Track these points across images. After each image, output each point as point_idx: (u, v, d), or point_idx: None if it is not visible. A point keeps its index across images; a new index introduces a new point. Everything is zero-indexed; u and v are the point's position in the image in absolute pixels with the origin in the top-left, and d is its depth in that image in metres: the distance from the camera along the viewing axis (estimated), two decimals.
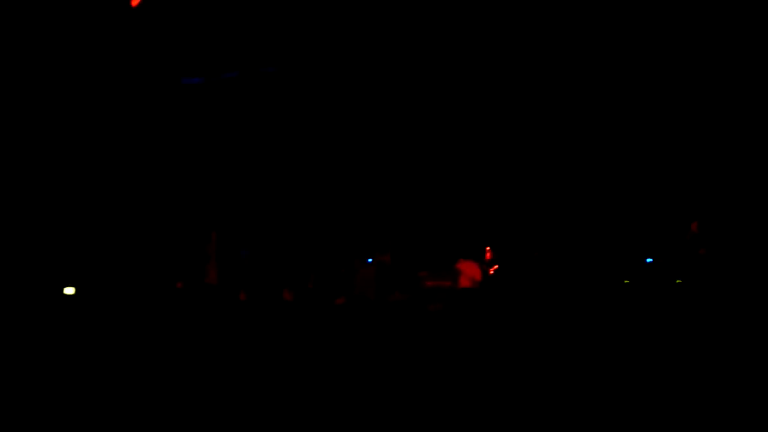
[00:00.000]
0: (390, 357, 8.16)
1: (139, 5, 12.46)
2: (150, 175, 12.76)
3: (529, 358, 7.56)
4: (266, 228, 13.33)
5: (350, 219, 13.66)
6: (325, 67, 12.94)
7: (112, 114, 12.56)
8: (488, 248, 12.96)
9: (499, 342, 9.37)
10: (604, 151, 12.74)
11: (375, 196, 13.59)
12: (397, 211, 13.58)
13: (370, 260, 12.97)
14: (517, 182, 13.02)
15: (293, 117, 13.16)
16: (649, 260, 11.92)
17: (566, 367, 6.97)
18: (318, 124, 13.14)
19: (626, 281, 11.95)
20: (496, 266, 12.85)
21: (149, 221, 12.76)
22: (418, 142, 13.49)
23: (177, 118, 12.90)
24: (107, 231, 12.54)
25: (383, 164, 13.59)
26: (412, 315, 11.83)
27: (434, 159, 13.35)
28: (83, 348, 8.30)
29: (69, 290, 11.55)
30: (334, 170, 13.40)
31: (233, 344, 9.92)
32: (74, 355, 7.74)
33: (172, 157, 12.91)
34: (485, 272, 12.75)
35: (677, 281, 11.78)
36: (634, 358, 7.56)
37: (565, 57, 12.63)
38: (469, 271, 12.77)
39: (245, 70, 12.91)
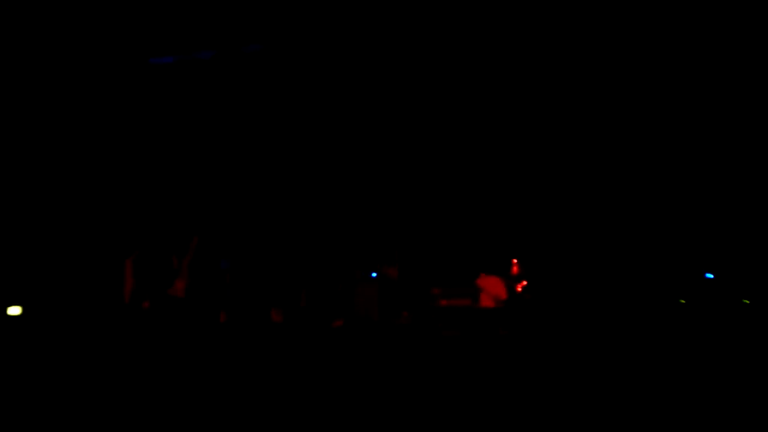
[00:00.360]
0: (396, 394, 7.06)
1: None
2: (112, 172, 11.17)
3: (565, 401, 6.39)
4: (251, 234, 11.60)
5: (350, 224, 11.91)
6: (322, 45, 11.24)
7: (65, 103, 10.97)
8: (515, 261, 11.23)
9: (529, 378, 7.76)
10: (652, 149, 10.98)
11: (379, 198, 11.83)
12: (406, 215, 11.82)
13: (373, 274, 11.27)
14: (549, 180, 11.24)
15: (283, 105, 11.48)
16: (709, 275, 10.14)
17: (613, 418, 5.75)
18: (312, 112, 11.44)
19: (682, 301, 10.13)
20: (525, 282, 11.10)
21: (108, 227, 11.18)
22: (432, 133, 11.73)
23: (144, 106, 11.27)
24: (54, 236, 10.99)
25: (389, 160, 11.86)
26: (423, 341, 10.14)
27: (451, 152, 11.59)
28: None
29: (14, 310, 9.99)
30: (330, 167, 11.67)
31: (208, 377, 8.32)
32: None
33: (137, 150, 11.28)
34: (511, 289, 11.04)
35: (744, 301, 10.02)
36: (698, 402, 6.00)
37: (590, 59, 11.03)
38: (491, 288, 11.07)
39: (224, 48, 11.24)
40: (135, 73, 11.12)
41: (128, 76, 11.11)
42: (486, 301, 10.94)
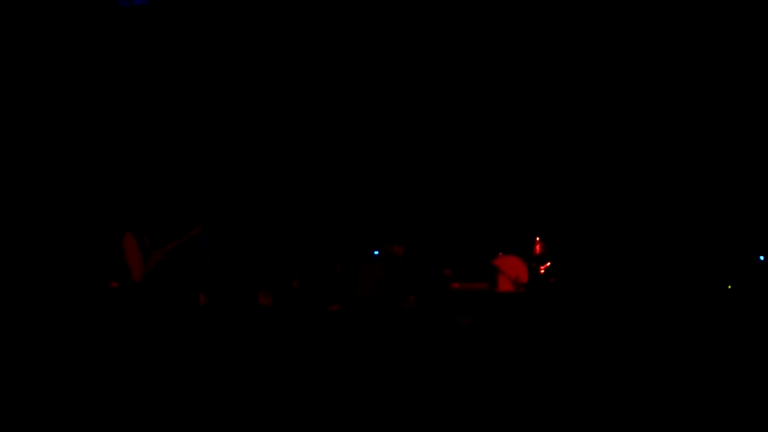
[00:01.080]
0: (400, 388, 6.75)
1: None
2: (73, 136, 10.27)
3: (591, 397, 6.05)
4: (235, 206, 10.63)
5: (349, 196, 10.96)
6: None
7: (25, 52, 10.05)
8: (538, 239, 10.30)
9: (551, 371, 7.21)
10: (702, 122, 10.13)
11: (382, 166, 10.89)
12: (414, 186, 10.88)
13: (376, 253, 10.32)
14: (578, 149, 10.33)
15: (277, 61, 10.53)
16: (762, 258, 9.23)
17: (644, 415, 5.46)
18: (303, 67, 10.50)
19: (729, 287, 9.21)
20: (548, 263, 10.16)
21: (72, 200, 10.27)
22: (440, 97, 10.85)
23: (112, 57, 10.30)
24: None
25: (394, 128, 10.97)
26: (431, 329, 9.25)
27: (463, 118, 10.68)
28: None
29: None
30: (325, 131, 10.75)
31: (183, 368, 7.62)
32: None
33: (104, 112, 10.34)
34: (533, 272, 10.11)
35: None
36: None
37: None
38: (511, 270, 10.17)
39: None
40: (100, 17, 10.16)
41: (92, 21, 10.16)
42: (504, 285, 10.02)
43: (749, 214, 10.32)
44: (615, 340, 8.38)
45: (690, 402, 5.49)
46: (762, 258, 9.63)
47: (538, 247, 10.47)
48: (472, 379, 7.42)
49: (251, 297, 9.96)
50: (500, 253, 10.29)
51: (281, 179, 11.23)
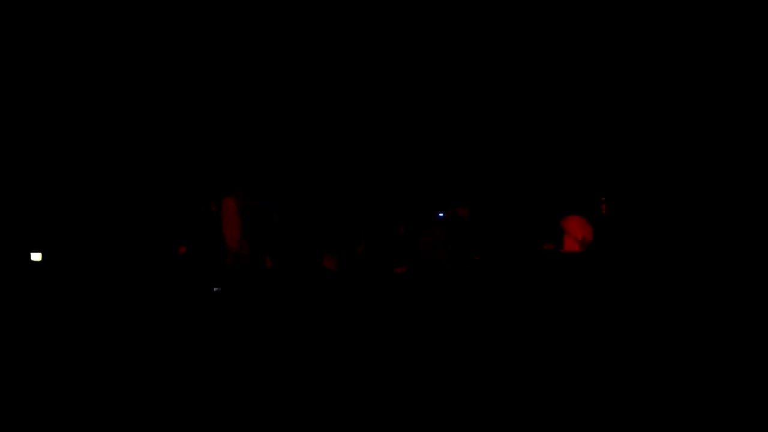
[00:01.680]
0: (473, 348, 6.75)
1: None
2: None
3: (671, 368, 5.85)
4: (297, 171, 10.75)
5: (411, 155, 10.98)
6: None
7: None
8: (603, 199, 10.23)
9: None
10: None
11: (445, 128, 10.87)
12: (477, 147, 10.85)
13: (440, 215, 10.37)
14: (649, 107, 10.14)
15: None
16: None
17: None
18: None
19: None
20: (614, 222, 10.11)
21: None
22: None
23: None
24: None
25: (455, 92, 10.86)
26: (496, 288, 9.27)
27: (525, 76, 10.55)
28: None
29: (36, 256, 9.39)
30: (389, 101, 10.70)
31: (251, 332, 7.69)
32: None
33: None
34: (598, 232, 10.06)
35: None
36: None
37: None
38: (576, 230, 10.10)
39: None
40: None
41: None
42: (570, 245, 9.99)
43: None
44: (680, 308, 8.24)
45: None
46: None
47: (603, 207, 10.43)
48: (537, 339, 7.41)
49: (317, 261, 10.14)
50: (567, 215, 10.34)
51: (345, 145, 11.33)
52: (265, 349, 7.03)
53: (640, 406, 4.82)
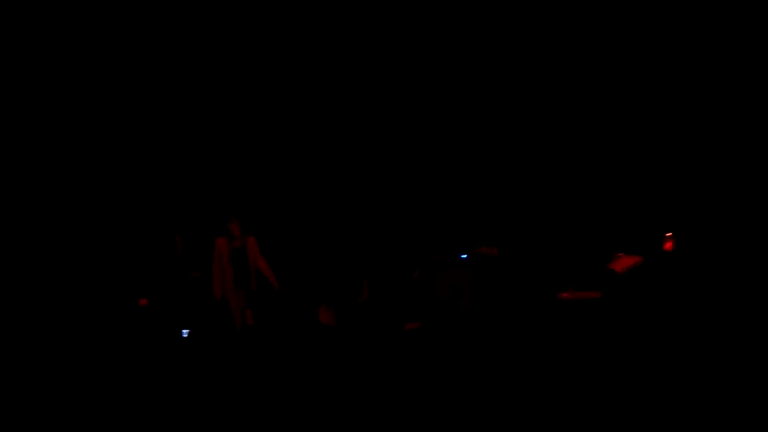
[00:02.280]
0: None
1: None
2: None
3: None
4: (289, 203, 9.03)
5: (428, 187, 9.28)
6: None
7: None
8: (669, 234, 8.48)
9: None
10: None
11: (475, 153, 9.23)
12: (507, 175, 9.18)
13: (464, 256, 8.64)
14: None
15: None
16: None
17: None
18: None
19: None
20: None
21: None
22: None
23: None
24: None
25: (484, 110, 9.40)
26: (537, 346, 7.56)
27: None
28: None
29: None
30: (400, 118, 9.16)
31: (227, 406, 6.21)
32: None
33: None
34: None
35: None
36: None
37: None
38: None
39: None
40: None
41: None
42: None
43: None
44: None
45: None
46: None
47: (669, 245, 8.66)
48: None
49: (310, 313, 8.34)
50: (619, 254, 8.58)
51: (343, 163, 9.65)
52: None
53: None
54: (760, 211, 9.15)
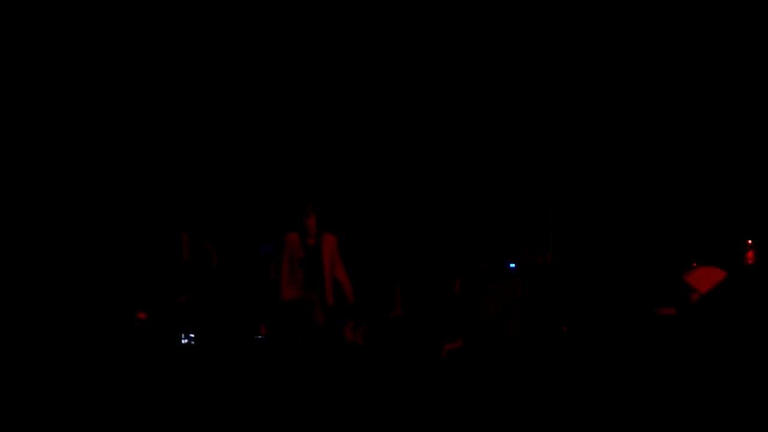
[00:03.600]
0: None
1: None
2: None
3: None
4: (309, 205, 8.14)
5: (471, 187, 8.35)
6: None
7: None
8: (750, 242, 7.45)
9: None
10: None
11: (522, 139, 8.30)
12: (565, 173, 8.24)
13: (512, 265, 7.69)
14: None
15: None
16: None
17: None
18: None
19: None
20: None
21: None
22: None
23: None
24: None
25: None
26: (593, 371, 6.61)
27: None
28: None
29: None
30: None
31: None
32: None
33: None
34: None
35: None
36: None
37: None
38: (707, 287, 7.34)
39: None
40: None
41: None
42: None
43: None
44: None
45: None
46: None
47: (750, 255, 7.62)
48: None
49: (333, 330, 7.46)
50: (694, 264, 7.58)
51: (373, 160, 8.74)
52: None
53: None
54: None
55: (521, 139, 9.20)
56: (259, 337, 7.38)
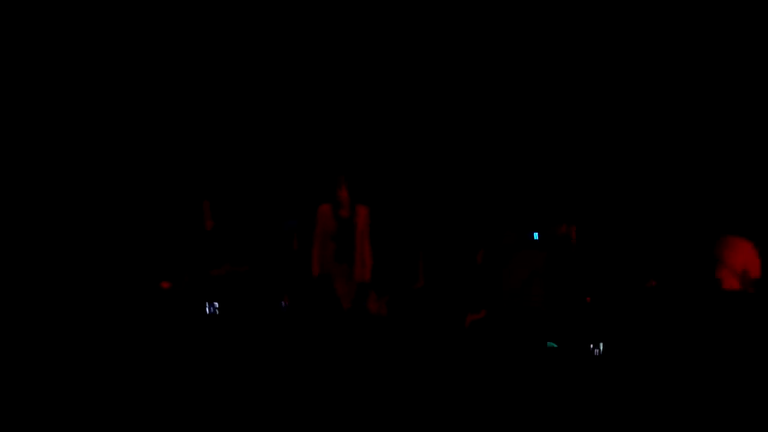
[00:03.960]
0: None
1: None
2: None
3: None
4: (333, 176, 8.11)
5: (494, 154, 8.32)
6: None
7: None
8: None
9: None
10: None
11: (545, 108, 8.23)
12: (590, 131, 8.19)
13: (536, 235, 7.67)
14: None
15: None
16: None
17: None
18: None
19: None
20: None
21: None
22: None
23: None
24: None
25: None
26: (619, 344, 6.57)
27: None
28: None
29: None
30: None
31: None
32: None
33: None
34: None
35: None
36: None
37: None
38: (737, 260, 7.24)
39: None
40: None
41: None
42: (729, 281, 7.17)
43: None
44: None
45: None
46: None
47: None
48: None
49: (357, 301, 7.55)
50: (723, 237, 7.48)
51: (396, 128, 8.68)
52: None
53: None
54: None
55: (547, 107, 9.10)
56: (283, 305, 7.45)
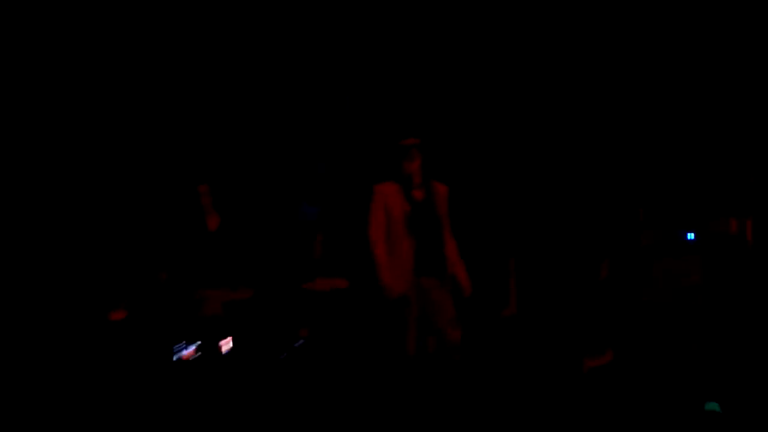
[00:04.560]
0: None
1: None
2: None
3: None
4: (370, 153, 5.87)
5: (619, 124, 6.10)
6: None
7: None
8: None
9: None
10: None
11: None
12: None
13: (690, 236, 5.30)
14: None
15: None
16: None
17: None
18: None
19: None
20: None
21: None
22: None
23: None
24: None
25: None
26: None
27: None
28: None
29: None
30: None
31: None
32: None
33: None
34: None
35: None
36: None
37: None
38: None
39: None
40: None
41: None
42: None
43: None
44: None
45: None
46: None
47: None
48: None
49: (396, 337, 5.18)
50: None
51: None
52: None
53: None
54: None
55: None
56: (300, 343, 5.19)
